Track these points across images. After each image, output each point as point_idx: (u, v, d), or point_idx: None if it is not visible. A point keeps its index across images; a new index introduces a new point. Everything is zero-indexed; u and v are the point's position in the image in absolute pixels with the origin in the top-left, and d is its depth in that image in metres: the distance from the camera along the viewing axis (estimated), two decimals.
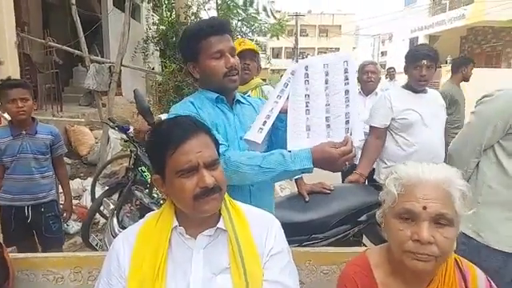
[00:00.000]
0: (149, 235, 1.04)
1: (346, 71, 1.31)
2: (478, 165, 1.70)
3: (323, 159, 1.25)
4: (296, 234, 2.12)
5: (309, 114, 1.33)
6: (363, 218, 2.25)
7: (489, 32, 16.70)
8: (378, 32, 37.59)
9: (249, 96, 2.37)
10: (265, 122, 1.34)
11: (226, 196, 1.12)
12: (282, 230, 1.12)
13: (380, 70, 3.85)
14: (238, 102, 1.55)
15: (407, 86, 2.60)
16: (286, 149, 1.32)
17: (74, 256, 1.30)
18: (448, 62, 16.96)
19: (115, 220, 2.29)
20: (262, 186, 1.44)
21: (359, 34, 44.00)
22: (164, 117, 2.24)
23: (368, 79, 3.62)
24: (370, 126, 2.62)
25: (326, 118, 1.32)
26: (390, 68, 9.88)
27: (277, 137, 1.44)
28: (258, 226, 1.08)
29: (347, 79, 1.31)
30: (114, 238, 1.57)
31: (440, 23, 18.65)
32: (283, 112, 1.35)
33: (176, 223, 1.05)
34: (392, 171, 1.02)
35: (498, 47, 16.50)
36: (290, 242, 2.07)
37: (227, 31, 1.46)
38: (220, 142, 1.30)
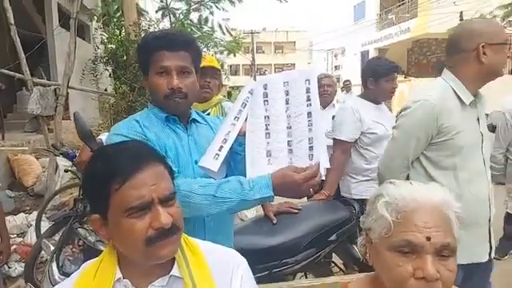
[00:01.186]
0: None
1: (307, 91, 1.20)
2: (407, 178, 1.69)
3: (284, 185, 1.12)
4: (265, 260, 1.96)
5: (269, 138, 1.20)
6: (333, 237, 2.14)
7: (433, 44, 17.76)
8: (331, 47, 38.96)
9: (209, 114, 2.21)
10: (221, 147, 1.19)
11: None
12: (250, 270, 0.96)
13: (335, 82, 3.88)
14: (194, 121, 1.38)
15: (368, 98, 2.56)
16: (245, 176, 1.17)
17: None
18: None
19: (54, 265, 1.99)
20: (220, 217, 1.26)
21: (313, 50, 45.41)
22: (104, 137, 2.03)
23: (324, 92, 3.63)
24: (337, 140, 2.49)
25: (288, 142, 1.19)
26: (346, 81, 10.16)
27: (236, 162, 1.29)
28: (221, 269, 0.90)
29: (309, 100, 1.20)
30: (54, 286, 1.33)
31: (388, 37, 19.64)
32: (242, 135, 1.21)
33: (119, 274, 0.85)
34: (381, 193, 0.87)
35: (442, 57, 17.54)
36: (259, 271, 1.92)
37: (182, 47, 1.28)
38: None
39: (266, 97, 1.21)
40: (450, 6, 14.45)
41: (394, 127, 1.77)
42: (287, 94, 1.21)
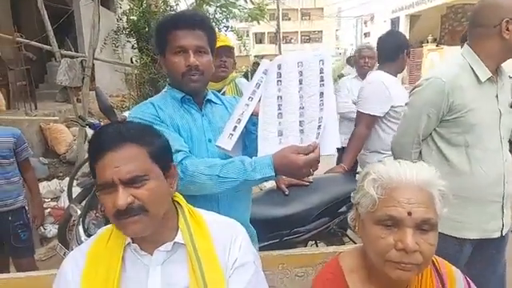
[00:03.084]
0: (99, 255, 0.94)
1: (321, 71, 1.21)
2: (421, 154, 1.70)
3: (285, 166, 1.15)
4: (277, 229, 2.06)
5: (281, 118, 1.22)
6: (344, 208, 2.20)
7: (469, 9, 16.67)
8: (360, 13, 37.38)
9: (224, 93, 2.26)
10: (235, 126, 1.24)
11: (185, 205, 1.02)
12: (249, 239, 1.04)
13: (375, 54, 3.79)
14: (209, 101, 1.42)
15: (392, 71, 2.55)
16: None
17: (25, 277, 1.20)
18: (429, 41, 16.98)
19: (81, 228, 2.17)
20: (233, 193, 1.31)
21: (341, 16, 43.71)
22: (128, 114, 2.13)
23: (365, 64, 3.59)
24: (363, 114, 2.48)
25: (300, 122, 1.21)
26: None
27: (250, 141, 1.34)
28: (222, 237, 0.99)
29: (322, 80, 1.20)
30: None
31: (420, 2, 18.57)
32: (255, 115, 1.25)
33: (129, 239, 0.95)
34: (369, 171, 0.93)
35: None
36: (271, 238, 2.03)
37: (199, 26, 1.31)
38: (178, 149, 1.20)
39: (280, 77, 1.24)
40: None
41: (406, 104, 1.78)
42: (301, 75, 1.22)
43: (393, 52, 2.55)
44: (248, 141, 1.35)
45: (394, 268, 0.85)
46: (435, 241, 0.86)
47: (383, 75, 2.53)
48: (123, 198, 0.85)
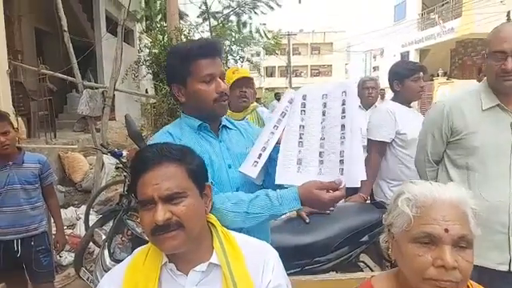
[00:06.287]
0: (137, 275, 0.96)
1: (343, 103, 1.22)
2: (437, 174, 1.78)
3: (310, 200, 1.17)
4: (298, 258, 2.03)
5: (301, 147, 1.25)
6: (365, 238, 2.18)
7: (478, 44, 16.92)
8: (369, 48, 38.08)
9: (247, 120, 2.33)
10: (260, 154, 1.26)
11: (219, 225, 1.05)
12: (281, 262, 1.05)
13: (379, 84, 3.90)
14: (225, 127, 1.45)
15: (398, 100, 2.61)
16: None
17: None
18: (440, 74, 17.14)
19: (106, 252, 2.19)
20: None
21: (351, 51, 44.57)
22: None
23: (368, 95, 3.72)
24: (373, 141, 2.54)
25: (320, 152, 1.22)
26: (382, 89, 10.08)
27: (272, 168, 1.34)
28: (255, 259, 1.00)
29: (344, 112, 1.21)
30: (106, 271, 1.48)
31: (429, 37, 18.94)
32: (279, 143, 1.28)
33: (165, 259, 0.97)
34: (402, 191, 0.94)
35: None
36: (292, 267, 2.01)
37: (218, 54, 1.38)
38: None
39: (304, 107, 1.27)
40: (498, 5, 13.78)
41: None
42: (325, 106, 1.24)
43: (390, 83, 2.65)
44: (270, 167, 1.36)
45: (433, 286, 0.84)
46: (472, 258, 0.86)
47: (390, 103, 2.66)
48: (162, 213, 0.90)
